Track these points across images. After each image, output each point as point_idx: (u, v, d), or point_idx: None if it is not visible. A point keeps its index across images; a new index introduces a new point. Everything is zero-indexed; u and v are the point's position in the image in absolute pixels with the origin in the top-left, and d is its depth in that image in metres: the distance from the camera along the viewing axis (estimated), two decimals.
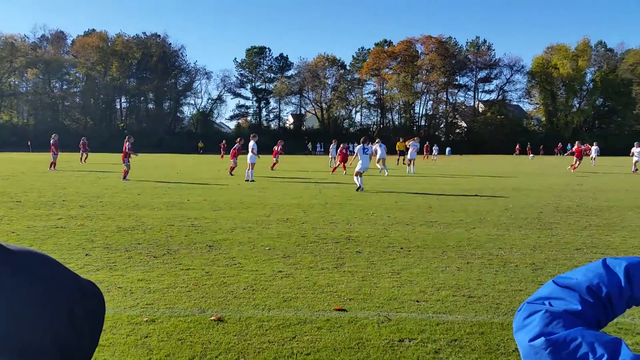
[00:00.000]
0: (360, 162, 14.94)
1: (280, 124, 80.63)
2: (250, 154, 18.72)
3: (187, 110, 79.37)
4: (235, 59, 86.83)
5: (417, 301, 4.49)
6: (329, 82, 78.30)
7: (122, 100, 75.58)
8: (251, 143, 19.03)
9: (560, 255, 6.45)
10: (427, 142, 44.97)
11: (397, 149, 31.49)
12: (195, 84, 77.01)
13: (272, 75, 79.76)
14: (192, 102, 78.46)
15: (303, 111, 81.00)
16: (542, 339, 0.95)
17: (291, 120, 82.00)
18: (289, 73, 79.59)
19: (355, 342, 3.57)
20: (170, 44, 74.77)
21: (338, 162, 23.70)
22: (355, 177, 14.74)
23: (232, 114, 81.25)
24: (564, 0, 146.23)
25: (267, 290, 4.79)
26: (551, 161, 41.71)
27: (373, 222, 8.89)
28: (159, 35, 73.94)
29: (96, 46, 68.21)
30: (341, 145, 24.08)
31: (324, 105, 78.42)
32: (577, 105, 72.01)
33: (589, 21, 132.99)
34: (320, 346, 3.50)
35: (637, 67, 69.69)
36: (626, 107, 70.06)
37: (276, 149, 25.89)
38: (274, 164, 25.11)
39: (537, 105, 76.48)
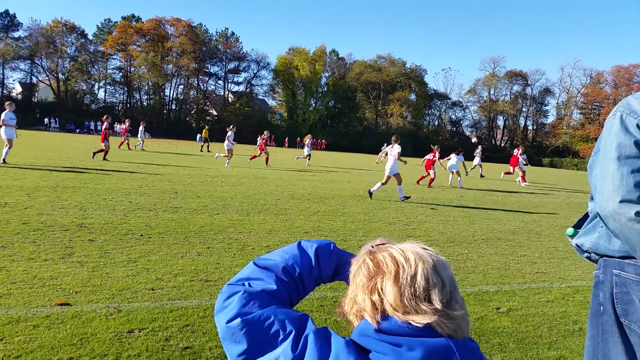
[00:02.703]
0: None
1: (5, 92, 68.28)
2: (4, 128, 14.69)
3: None
4: None
5: (153, 289, 4.34)
6: (68, 51, 69.74)
7: None
8: (5, 112, 14.75)
9: (291, 238, 7.08)
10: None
11: (203, 135, 33.97)
12: None
13: None
14: None
15: (35, 80, 70.22)
16: (239, 319, 1.00)
17: (19, 89, 70.17)
18: (17, 34, 67.97)
19: (78, 338, 3.24)
20: None
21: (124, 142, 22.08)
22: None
23: None
24: (304, 7, 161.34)
25: None
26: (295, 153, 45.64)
27: (111, 208, 8.26)
28: None
29: None
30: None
31: (60, 76, 69.47)
32: (314, 105, 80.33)
33: (326, 30, 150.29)
34: (34, 346, 3.07)
35: (361, 77, 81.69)
36: (352, 110, 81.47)
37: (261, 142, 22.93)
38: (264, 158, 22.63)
39: (281, 102, 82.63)
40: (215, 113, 77.36)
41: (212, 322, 3.70)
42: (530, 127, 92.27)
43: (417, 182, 18.92)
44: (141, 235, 6.45)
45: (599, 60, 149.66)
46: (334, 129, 79.40)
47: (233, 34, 79.08)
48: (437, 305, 0.94)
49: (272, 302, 1.05)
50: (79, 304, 3.85)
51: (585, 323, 2.22)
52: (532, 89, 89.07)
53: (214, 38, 78.28)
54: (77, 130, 58.77)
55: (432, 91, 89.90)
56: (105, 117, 19.32)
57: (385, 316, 0.95)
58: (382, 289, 0.97)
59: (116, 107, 73.28)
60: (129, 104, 74.19)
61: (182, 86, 76.41)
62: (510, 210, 12.62)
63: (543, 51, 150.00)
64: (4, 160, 13.85)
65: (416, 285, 0.95)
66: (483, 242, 7.96)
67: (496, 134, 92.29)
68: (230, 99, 79.40)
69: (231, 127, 21.74)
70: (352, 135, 73.29)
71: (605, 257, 1.80)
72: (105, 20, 74.50)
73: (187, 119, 75.44)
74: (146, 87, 74.81)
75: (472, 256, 6.84)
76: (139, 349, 3.16)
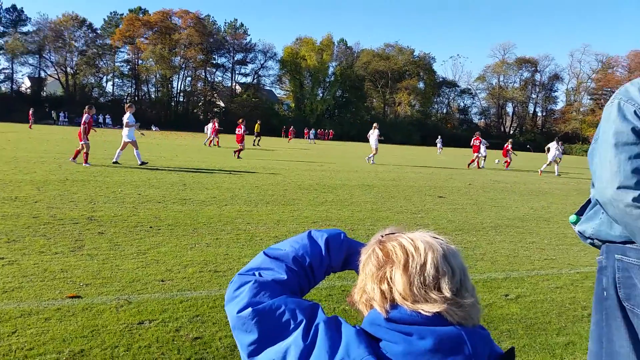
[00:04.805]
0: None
1: (14, 87, 68.87)
2: (126, 129, 14.68)
3: None
4: None
5: (162, 281, 4.38)
6: (77, 45, 70.04)
7: None
8: (127, 115, 14.73)
9: (299, 228, 7.09)
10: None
11: (255, 129, 34.88)
12: None
13: (2, 29, 67.23)
14: None
15: (43, 74, 70.69)
16: (250, 309, 1.00)
17: (28, 83, 70.69)
18: (25, 29, 68.34)
19: (89, 330, 3.28)
20: None
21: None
22: None
23: None
24: None
25: None
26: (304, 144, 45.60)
27: (121, 201, 8.32)
28: None
29: None
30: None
31: (69, 70, 69.86)
32: (321, 95, 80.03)
33: (333, 20, 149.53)
34: (46, 339, 3.12)
35: (369, 66, 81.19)
36: (359, 99, 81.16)
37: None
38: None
39: (288, 92, 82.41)
40: (222, 105, 77.37)
41: (221, 312, 3.73)
42: (539, 114, 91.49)
43: (468, 166, 23.53)
44: (150, 227, 6.50)
45: (611, 46, 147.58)
46: (342, 119, 79.15)
47: (242, 25, 78.90)
48: (447, 293, 0.94)
49: (282, 291, 1.05)
50: (90, 297, 3.90)
51: None
52: (541, 75, 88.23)
53: (222, 29, 78.12)
54: None
55: (440, 79, 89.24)
56: (241, 120, 22.06)
57: (394, 305, 0.95)
58: (391, 278, 0.97)
59: (124, 100, 73.50)
60: (137, 96, 74.40)
61: (189, 78, 76.49)
62: (519, 197, 12.55)
63: (553, 37, 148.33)
64: (142, 162, 14.22)
65: (426, 274, 0.95)
66: (491, 230, 7.94)
67: (505, 121, 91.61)
68: (237, 90, 79.35)
69: (375, 125, 22.77)
70: (359, 124, 73.00)
71: (607, 243, 1.82)
72: (111, 13, 74.66)
73: (195, 111, 75.54)
74: (154, 80, 74.99)
75: (480, 244, 6.82)
76: (149, 340, 3.20)
